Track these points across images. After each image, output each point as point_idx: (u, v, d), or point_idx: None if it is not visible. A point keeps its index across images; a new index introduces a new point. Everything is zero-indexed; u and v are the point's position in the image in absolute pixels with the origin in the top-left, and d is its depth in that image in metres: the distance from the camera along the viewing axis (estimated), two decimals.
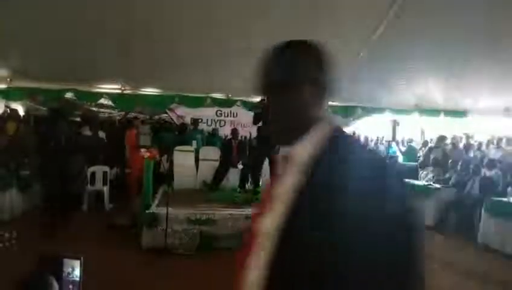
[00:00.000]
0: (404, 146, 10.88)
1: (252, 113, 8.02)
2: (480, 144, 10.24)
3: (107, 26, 6.51)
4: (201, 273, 4.70)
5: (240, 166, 7.98)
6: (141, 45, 7.13)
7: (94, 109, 10.02)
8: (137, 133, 8.42)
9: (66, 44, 6.90)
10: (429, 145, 10.47)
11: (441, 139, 10.25)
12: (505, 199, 6.28)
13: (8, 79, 8.16)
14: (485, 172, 7.73)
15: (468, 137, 10.90)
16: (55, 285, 1.72)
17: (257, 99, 9.02)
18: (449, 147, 10.00)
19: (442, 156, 9.18)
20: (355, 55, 7.66)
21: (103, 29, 6.59)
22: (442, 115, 10.25)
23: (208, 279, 4.49)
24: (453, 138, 10.43)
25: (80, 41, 6.84)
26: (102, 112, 10.39)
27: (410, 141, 10.95)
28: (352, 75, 8.39)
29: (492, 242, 6.21)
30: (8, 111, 8.65)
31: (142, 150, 6.93)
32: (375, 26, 6.75)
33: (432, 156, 9.32)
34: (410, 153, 10.53)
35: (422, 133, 11.65)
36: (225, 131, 10.29)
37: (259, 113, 6.87)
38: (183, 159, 7.92)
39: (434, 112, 10.22)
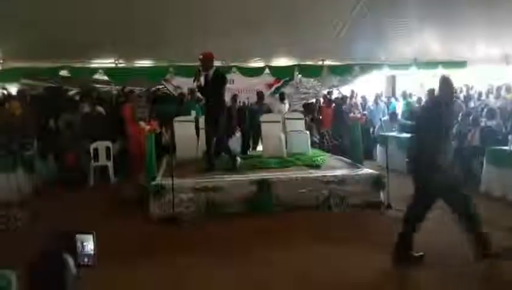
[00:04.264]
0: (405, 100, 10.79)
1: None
2: (480, 93, 10.14)
3: None
4: (210, 238, 4.81)
5: (238, 133, 7.93)
6: (133, 14, 6.97)
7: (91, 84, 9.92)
8: (134, 106, 8.39)
9: (57, 20, 6.76)
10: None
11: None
12: (506, 148, 6.30)
13: (1, 60, 8.04)
14: (486, 122, 7.72)
15: (468, 88, 10.80)
16: (70, 260, 1.76)
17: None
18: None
19: None
20: (350, 10, 7.49)
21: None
22: (440, 67, 10.12)
23: (219, 243, 4.62)
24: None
25: (70, 16, 6.69)
26: (99, 87, 10.29)
27: (407, 96, 10.84)
28: (347, 32, 8.25)
29: (495, 190, 6.28)
30: (5, 93, 8.58)
31: (142, 122, 6.91)
32: None
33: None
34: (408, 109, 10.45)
35: (422, 86, 11.53)
36: None
37: None
38: (183, 129, 7.90)
39: (432, 64, 10.07)
